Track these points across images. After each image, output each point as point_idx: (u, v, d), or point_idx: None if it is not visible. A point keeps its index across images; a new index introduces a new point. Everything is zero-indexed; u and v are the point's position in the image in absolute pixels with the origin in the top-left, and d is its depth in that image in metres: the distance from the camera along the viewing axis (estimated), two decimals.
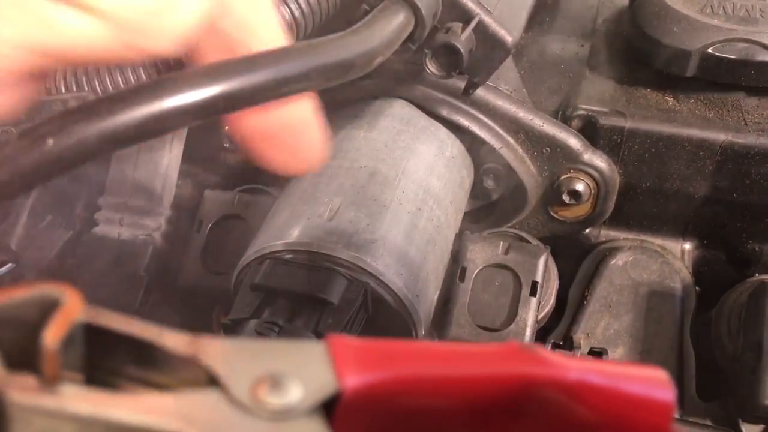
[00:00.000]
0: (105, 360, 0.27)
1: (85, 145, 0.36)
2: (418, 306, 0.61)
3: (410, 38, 0.53)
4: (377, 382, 0.25)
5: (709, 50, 0.70)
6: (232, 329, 0.57)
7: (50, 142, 0.35)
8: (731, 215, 0.77)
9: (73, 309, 0.24)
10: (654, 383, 0.28)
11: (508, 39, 0.58)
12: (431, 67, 0.57)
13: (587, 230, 0.84)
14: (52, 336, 0.23)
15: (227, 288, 0.73)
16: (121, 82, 0.55)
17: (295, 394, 0.24)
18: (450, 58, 0.57)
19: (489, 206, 0.83)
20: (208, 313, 0.75)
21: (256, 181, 0.82)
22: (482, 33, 0.57)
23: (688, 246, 0.82)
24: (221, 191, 0.79)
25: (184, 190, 0.87)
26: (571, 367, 0.27)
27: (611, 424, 0.27)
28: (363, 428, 0.25)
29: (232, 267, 0.74)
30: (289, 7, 0.58)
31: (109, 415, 0.23)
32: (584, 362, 0.28)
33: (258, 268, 0.61)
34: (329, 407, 0.25)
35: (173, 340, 0.26)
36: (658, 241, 0.82)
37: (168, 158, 0.83)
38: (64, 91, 0.53)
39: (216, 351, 0.25)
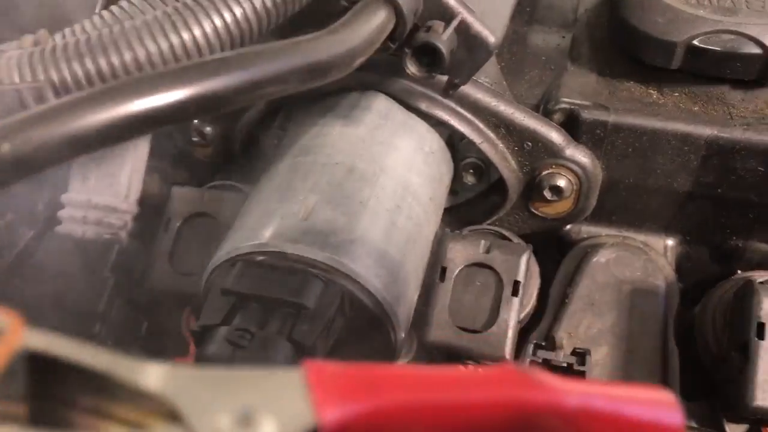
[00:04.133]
0: (54, 390, 0.24)
1: (46, 150, 0.33)
2: (397, 309, 0.59)
3: (390, 37, 0.51)
4: (360, 414, 0.23)
5: (695, 42, 0.68)
6: (201, 336, 0.54)
7: (6, 146, 0.32)
8: (715, 211, 0.75)
9: (13, 338, 0.21)
10: (660, 406, 0.26)
11: (491, 40, 0.56)
12: (411, 68, 0.55)
13: (567, 226, 0.82)
14: None
15: (197, 290, 0.70)
16: (79, 72, 0.51)
17: (267, 430, 0.21)
18: (431, 58, 0.54)
19: (468, 203, 0.80)
20: (177, 316, 0.72)
21: (227, 177, 0.79)
22: (464, 33, 0.55)
23: (670, 242, 0.81)
24: (190, 188, 0.76)
25: (150, 187, 0.83)
26: (571, 391, 0.25)
27: None
28: None
29: (202, 268, 0.71)
30: None
31: None
32: (585, 385, 0.25)
33: (229, 271, 0.58)
34: None
35: (130, 370, 0.23)
36: (640, 237, 0.80)
37: (134, 153, 0.79)
38: (17, 80, 0.50)
39: (181, 382, 0.22)
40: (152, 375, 0.23)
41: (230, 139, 0.82)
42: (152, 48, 0.52)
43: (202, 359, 0.51)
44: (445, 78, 0.66)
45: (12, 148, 0.33)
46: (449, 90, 0.60)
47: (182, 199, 0.74)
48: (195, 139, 0.81)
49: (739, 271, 0.78)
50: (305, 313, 0.53)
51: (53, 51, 0.52)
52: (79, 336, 0.70)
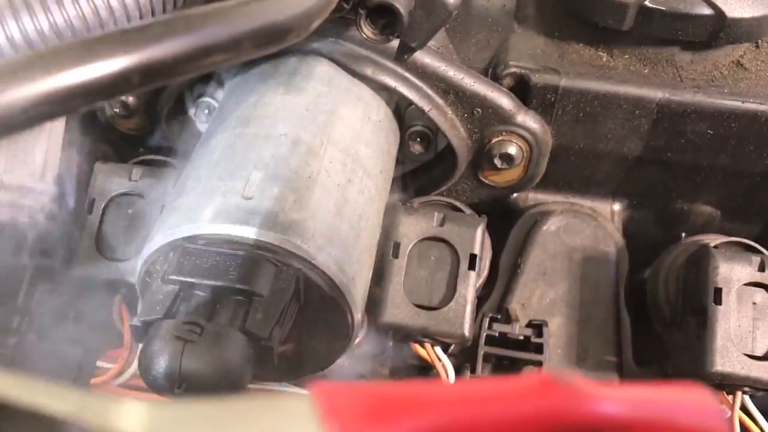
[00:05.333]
0: None
1: None
2: (354, 290, 0.55)
3: None
4: None
5: (647, 2, 0.66)
6: (143, 331, 0.48)
7: None
8: (663, 175, 0.75)
9: None
10: (704, 411, 0.23)
11: (450, 0, 0.51)
12: (366, 30, 0.50)
13: (514, 194, 0.80)
14: None
15: (128, 276, 0.64)
16: None
17: None
18: (387, 20, 0.49)
19: (414, 173, 0.77)
20: (107, 305, 0.66)
21: (152, 151, 0.73)
22: None
23: (617, 207, 0.80)
24: (114, 164, 0.69)
25: (69, 163, 0.76)
26: (615, 399, 0.22)
27: None
28: None
29: (133, 253, 0.65)
30: None
31: None
32: (628, 392, 0.22)
33: (167, 257, 0.52)
34: None
35: (100, 412, 0.18)
36: (587, 203, 0.79)
37: (49, 126, 0.72)
38: None
39: (167, 423, 0.18)
40: (129, 416, 0.18)
41: (155, 110, 0.75)
42: (71, 11, 0.46)
43: (147, 357, 0.46)
44: (393, 42, 0.62)
45: None
46: (404, 55, 0.56)
47: (107, 177, 0.68)
48: (117, 110, 0.74)
49: (683, 234, 0.78)
50: (258, 300, 0.49)
51: None
52: None
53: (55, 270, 0.68)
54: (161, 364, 0.45)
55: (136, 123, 0.76)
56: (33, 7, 0.45)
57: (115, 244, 0.66)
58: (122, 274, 0.64)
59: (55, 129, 0.72)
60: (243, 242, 0.51)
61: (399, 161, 0.74)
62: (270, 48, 0.37)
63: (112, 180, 0.68)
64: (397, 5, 0.48)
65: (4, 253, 0.67)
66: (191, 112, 0.75)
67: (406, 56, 0.56)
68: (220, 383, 0.46)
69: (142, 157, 0.72)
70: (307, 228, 0.53)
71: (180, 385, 0.45)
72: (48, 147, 0.71)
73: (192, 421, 0.19)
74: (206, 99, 0.73)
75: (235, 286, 0.49)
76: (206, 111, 0.74)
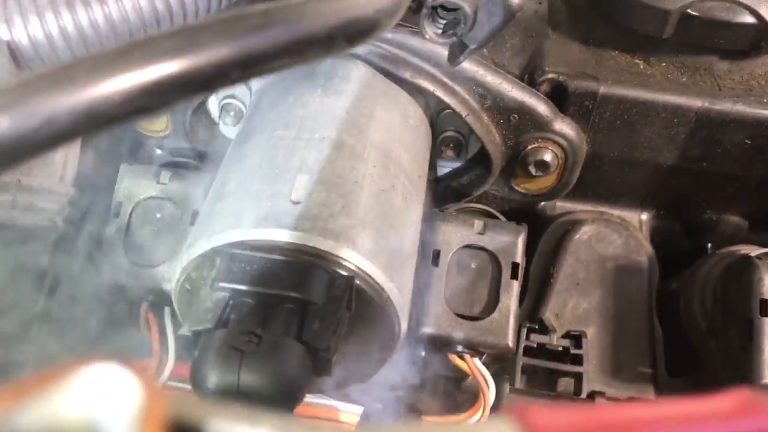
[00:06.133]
0: None
1: (55, 126, 0.25)
2: (401, 298, 0.53)
3: None
4: None
5: (689, 10, 0.65)
6: (193, 342, 0.46)
7: (5, 121, 0.24)
8: (695, 184, 0.74)
9: (155, 413, 0.14)
10: None
11: (515, 1, 0.50)
12: (429, 30, 0.48)
13: (542, 202, 0.78)
14: None
15: (158, 283, 0.62)
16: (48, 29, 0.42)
17: None
18: (452, 19, 0.48)
19: (445, 178, 0.75)
20: (131, 312, 0.63)
21: (182, 153, 0.70)
22: None
23: (645, 216, 0.79)
24: (140, 165, 0.67)
25: (85, 165, 0.73)
26: None
27: None
28: None
29: (162, 258, 0.63)
30: None
31: None
32: None
33: (214, 263, 0.50)
34: None
35: None
36: (616, 212, 0.78)
37: None
38: None
39: None
40: None
41: (176, 109, 0.73)
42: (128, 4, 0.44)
43: (202, 369, 0.44)
44: (430, 45, 0.60)
45: (12, 124, 0.25)
46: (459, 56, 0.54)
47: (133, 180, 0.65)
48: None
49: (710, 245, 0.78)
50: (314, 310, 0.47)
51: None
52: (16, 340, 0.60)
53: (75, 276, 0.65)
54: (218, 376, 0.43)
55: (159, 124, 0.73)
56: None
57: (143, 249, 0.63)
58: (151, 281, 0.62)
59: None
60: (293, 248, 0.49)
61: (429, 166, 0.73)
62: (358, 43, 0.35)
63: (140, 183, 0.65)
64: (464, 4, 0.46)
65: (23, 258, 0.64)
66: (215, 114, 0.73)
67: (460, 58, 0.55)
68: (279, 396, 0.44)
69: (168, 159, 0.69)
70: (357, 234, 0.51)
71: (237, 398, 0.43)
72: (67, 148, 0.69)
73: None
74: (232, 101, 0.71)
75: (289, 294, 0.47)
76: (232, 113, 0.72)
